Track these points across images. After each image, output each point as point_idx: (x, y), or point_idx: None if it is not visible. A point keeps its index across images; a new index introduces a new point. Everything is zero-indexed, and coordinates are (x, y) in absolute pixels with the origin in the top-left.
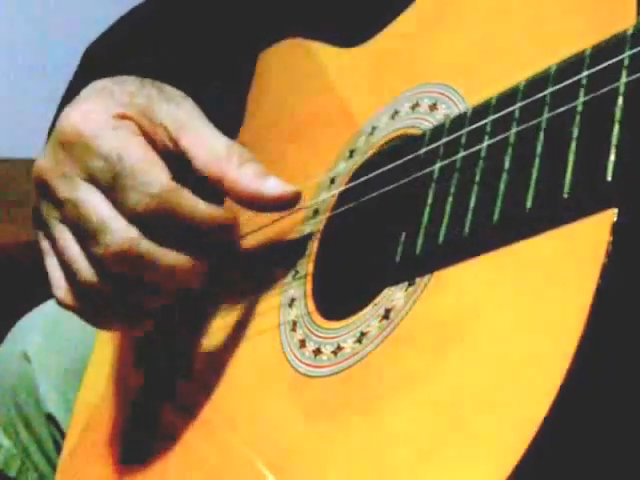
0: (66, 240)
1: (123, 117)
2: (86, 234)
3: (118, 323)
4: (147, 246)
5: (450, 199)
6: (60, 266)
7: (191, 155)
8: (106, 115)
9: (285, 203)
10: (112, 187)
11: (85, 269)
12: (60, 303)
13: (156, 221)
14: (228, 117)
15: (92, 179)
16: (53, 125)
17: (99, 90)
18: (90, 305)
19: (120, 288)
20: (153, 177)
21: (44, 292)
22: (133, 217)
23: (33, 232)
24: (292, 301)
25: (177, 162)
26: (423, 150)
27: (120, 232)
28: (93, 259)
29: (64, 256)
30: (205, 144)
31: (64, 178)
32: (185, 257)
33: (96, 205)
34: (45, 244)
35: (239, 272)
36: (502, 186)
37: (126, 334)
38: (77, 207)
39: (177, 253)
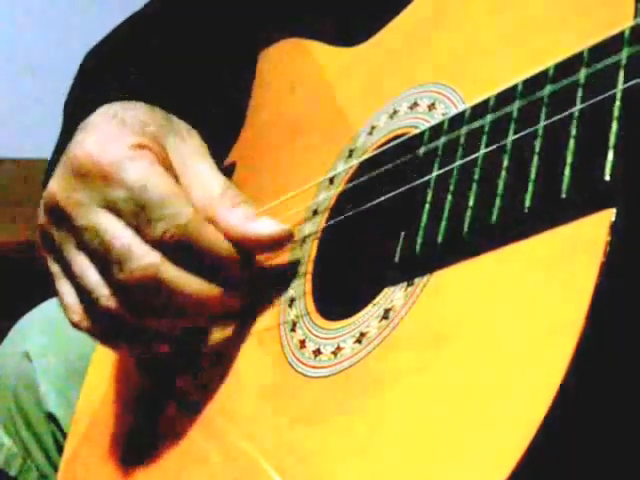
0: (83, 266)
1: (140, 147)
2: (108, 260)
3: (134, 347)
4: (170, 272)
5: (449, 199)
6: (76, 291)
7: (189, 193)
8: (123, 145)
9: (276, 243)
10: (136, 216)
11: (106, 295)
12: (76, 327)
13: (178, 250)
14: (230, 117)
15: (111, 208)
16: (58, 144)
17: (111, 117)
18: (107, 329)
19: (140, 314)
20: (180, 208)
21: (44, 292)
22: (155, 245)
23: (32, 233)
24: (292, 301)
25: None
26: (422, 150)
27: (144, 258)
28: (114, 285)
29: (82, 282)
30: (202, 185)
31: (82, 206)
32: (207, 284)
33: (118, 231)
34: (56, 268)
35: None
36: (500, 186)
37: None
38: (98, 234)
39: (199, 279)
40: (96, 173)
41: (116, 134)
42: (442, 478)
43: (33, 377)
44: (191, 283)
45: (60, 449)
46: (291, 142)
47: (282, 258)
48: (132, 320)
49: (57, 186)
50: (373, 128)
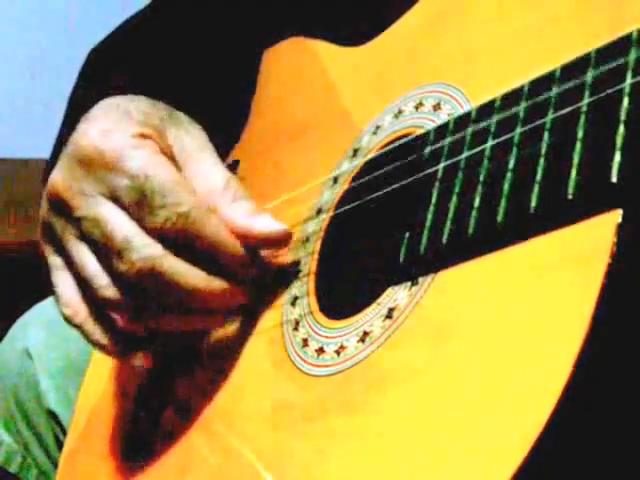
0: (84, 257)
1: (143, 136)
2: (109, 251)
3: (124, 348)
4: (172, 263)
5: (454, 199)
6: (74, 283)
7: (191, 185)
8: (126, 134)
9: (274, 241)
10: (137, 205)
11: (106, 286)
12: (67, 320)
13: (180, 240)
14: (233, 116)
15: (114, 197)
16: (60, 137)
17: (114, 108)
18: (100, 326)
19: (138, 307)
20: (182, 196)
21: (44, 291)
22: (157, 235)
23: (36, 236)
24: (295, 300)
25: None
26: (427, 150)
27: (145, 249)
28: (115, 276)
29: (82, 273)
30: (204, 177)
31: (83, 196)
32: (208, 277)
33: (120, 222)
34: (55, 259)
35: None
36: (506, 186)
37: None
38: (99, 224)
39: (200, 272)
40: (99, 162)
41: (119, 124)
42: (446, 476)
43: (33, 374)
44: (192, 275)
45: (60, 446)
46: (295, 141)
47: (285, 256)
48: (129, 314)
49: (59, 176)
50: (378, 128)
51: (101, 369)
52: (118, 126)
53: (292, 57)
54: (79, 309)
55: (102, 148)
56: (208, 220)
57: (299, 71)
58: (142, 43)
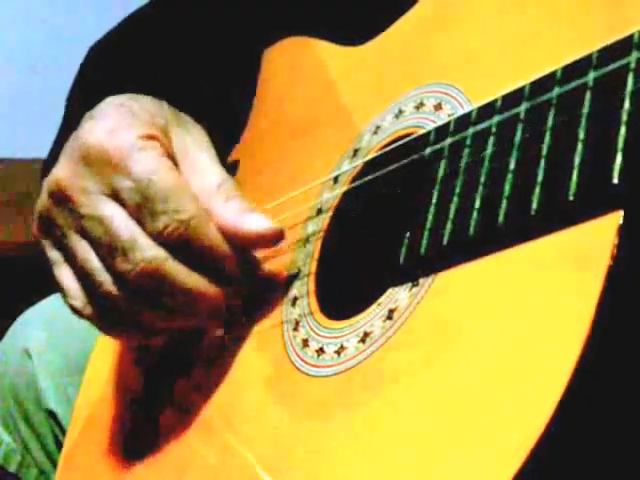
0: (85, 252)
1: (149, 137)
2: (112, 250)
3: (133, 335)
4: (174, 266)
5: (455, 200)
6: (77, 277)
7: (187, 182)
8: (133, 134)
9: (266, 240)
10: (139, 208)
11: (108, 282)
12: (76, 313)
13: (179, 245)
14: (232, 116)
15: (116, 197)
16: (62, 132)
17: (118, 107)
18: (108, 316)
19: (139, 304)
20: (184, 204)
21: (44, 291)
22: (157, 239)
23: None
24: (295, 300)
25: None
26: (428, 150)
27: (149, 251)
28: (115, 274)
29: (84, 268)
30: (200, 174)
31: (87, 193)
32: (206, 281)
33: (124, 222)
34: (55, 254)
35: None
36: (507, 187)
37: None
38: (103, 223)
39: (198, 276)
40: (104, 161)
41: (126, 123)
42: (446, 476)
43: (33, 374)
44: (193, 280)
45: (59, 446)
46: (295, 141)
47: (285, 257)
48: (130, 310)
49: (62, 172)
50: (378, 128)
51: (100, 369)
52: (124, 125)
53: (292, 57)
54: (85, 301)
55: (108, 147)
56: (207, 229)
57: (299, 71)
58: (141, 42)
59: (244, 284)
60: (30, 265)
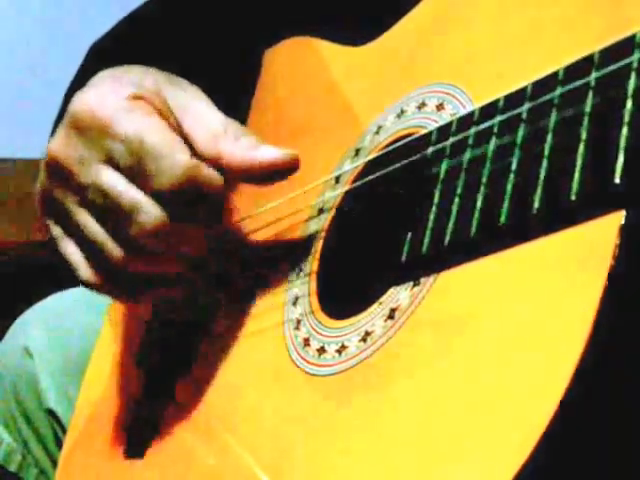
0: (88, 222)
1: (137, 98)
2: (116, 216)
3: (148, 295)
4: (179, 223)
5: (456, 199)
6: (82, 249)
7: (192, 138)
8: (120, 97)
9: (282, 168)
10: (134, 169)
11: (116, 248)
12: (86, 284)
13: (178, 198)
14: (233, 116)
15: (111, 161)
16: (61, 114)
17: (108, 77)
18: (120, 281)
19: (149, 263)
20: (176, 159)
21: (44, 291)
22: (155, 196)
23: (33, 233)
24: (296, 299)
25: None
26: (430, 150)
27: (152, 211)
28: (122, 240)
29: (89, 238)
30: (204, 124)
31: (82, 162)
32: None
33: (123, 187)
34: (58, 230)
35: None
36: (509, 187)
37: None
38: (103, 191)
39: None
40: (94, 126)
41: (113, 88)
42: (446, 476)
43: (33, 373)
44: (200, 233)
45: (60, 445)
46: (296, 141)
47: (286, 256)
48: (143, 269)
49: (57, 145)
50: (380, 128)
51: (101, 368)
52: (112, 90)
53: (293, 56)
54: (94, 271)
55: (96, 112)
56: (203, 173)
57: (300, 70)
58: (141, 41)
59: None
60: (30, 265)
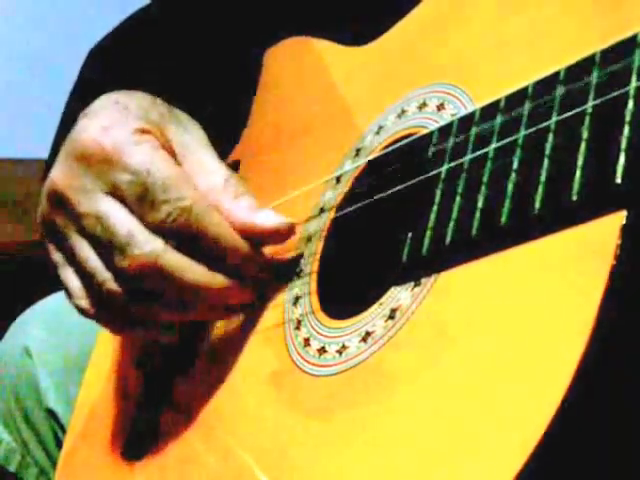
0: (85, 252)
1: (143, 131)
2: (110, 247)
3: (141, 331)
4: (173, 259)
5: (457, 200)
6: (79, 277)
7: (193, 180)
8: (127, 130)
9: (278, 235)
10: (139, 201)
11: (110, 280)
12: (82, 312)
13: (182, 235)
14: (233, 117)
15: (115, 193)
16: (60, 133)
17: (113, 103)
18: (113, 313)
19: (142, 300)
20: (185, 191)
21: (44, 291)
22: (158, 230)
23: (35, 236)
24: (296, 299)
25: None
26: (431, 150)
27: (147, 244)
28: (116, 271)
29: (85, 267)
30: (205, 173)
31: (84, 192)
32: (210, 273)
33: (121, 218)
34: (58, 256)
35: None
36: (510, 188)
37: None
38: (100, 220)
39: (202, 267)
40: (99, 157)
41: (119, 119)
42: (447, 477)
43: (33, 373)
44: (194, 271)
45: (59, 445)
46: (296, 141)
47: (287, 256)
48: (134, 306)
49: (59, 173)
50: (381, 128)
51: (101, 368)
52: (118, 121)
53: (293, 57)
54: (90, 300)
55: (102, 143)
56: (210, 215)
57: (300, 70)
58: (142, 42)
59: (248, 275)
60: (30, 265)
